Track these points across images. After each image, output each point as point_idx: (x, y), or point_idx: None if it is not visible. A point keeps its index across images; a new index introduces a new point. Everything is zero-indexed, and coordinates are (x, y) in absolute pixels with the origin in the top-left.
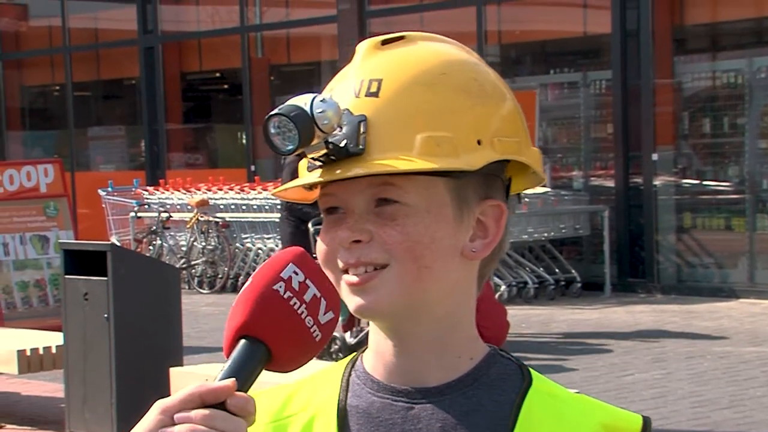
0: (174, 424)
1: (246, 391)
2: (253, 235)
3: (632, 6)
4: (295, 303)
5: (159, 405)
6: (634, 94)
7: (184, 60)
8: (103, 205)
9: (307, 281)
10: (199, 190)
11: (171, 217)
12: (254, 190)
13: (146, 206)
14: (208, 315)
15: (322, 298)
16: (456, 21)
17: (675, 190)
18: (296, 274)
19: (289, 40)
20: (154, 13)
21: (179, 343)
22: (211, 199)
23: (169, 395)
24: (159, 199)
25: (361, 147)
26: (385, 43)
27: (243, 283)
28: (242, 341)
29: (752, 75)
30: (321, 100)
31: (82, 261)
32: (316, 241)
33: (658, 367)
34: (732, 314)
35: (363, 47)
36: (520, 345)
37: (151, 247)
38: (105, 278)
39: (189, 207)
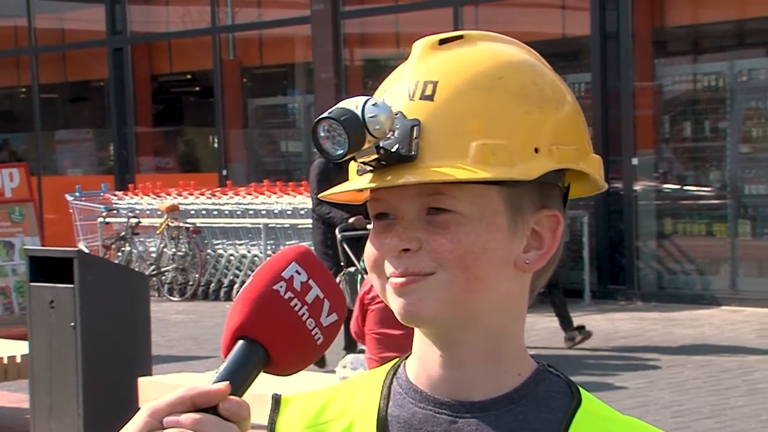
0: (163, 428)
1: (242, 395)
2: (224, 241)
3: (611, 7)
4: (296, 304)
5: (148, 407)
6: (614, 98)
7: (154, 61)
8: (71, 211)
9: (310, 281)
10: (169, 194)
11: (140, 222)
12: (226, 195)
13: (115, 211)
14: (178, 323)
15: (326, 300)
16: (432, 22)
17: (655, 196)
18: (298, 273)
19: (261, 42)
20: (122, 14)
21: (148, 352)
22: (182, 204)
23: (138, 406)
24: (128, 204)
25: (413, 153)
26: (442, 42)
27: (214, 291)
28: (239, 342)
29: (734, 78)
30: (373, 104)
31: (48, 268)
32: (344, 248)
33: (638, 375)
34: (713, 322)
35: (419, 46)
36: None
37: (119, 254)
38: (72, 285)
39: (159, 212)
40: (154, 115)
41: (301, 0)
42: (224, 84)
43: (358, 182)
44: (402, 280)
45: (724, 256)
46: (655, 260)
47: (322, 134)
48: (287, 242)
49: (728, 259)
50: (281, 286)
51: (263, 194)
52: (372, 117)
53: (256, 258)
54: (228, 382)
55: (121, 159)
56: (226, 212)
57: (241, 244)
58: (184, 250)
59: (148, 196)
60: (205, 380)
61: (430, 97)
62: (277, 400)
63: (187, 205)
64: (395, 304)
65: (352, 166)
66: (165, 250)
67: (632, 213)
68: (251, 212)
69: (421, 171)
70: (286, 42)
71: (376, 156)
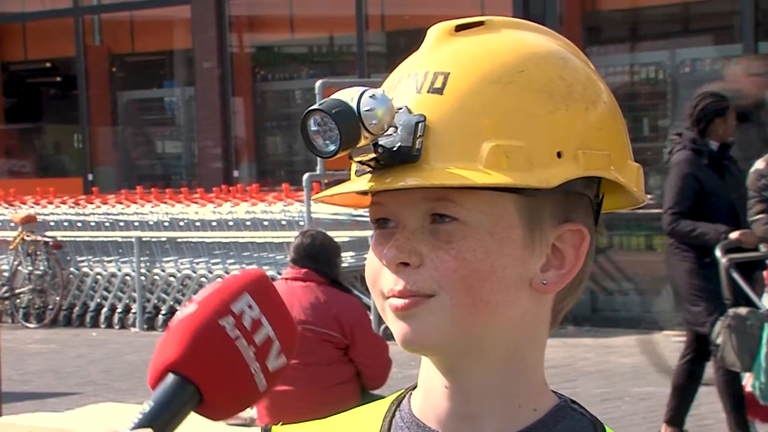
0: None
1: None
2: (90, 258)
3: None
4: (242, 345)
5: None
6: None
7: (6, 47)
8: None
9: (262, 318)
10: (24, 203)
11: None
12: (92, 203)
13: None
14: (36, 354)
15: (276, 340)
16: (331, 3)
17: None
18: (250, 308)
19: (133, 25)
20: None
21: None
22: (39, 214)
23: None
24: None
25: (415, 153)
26: (460, 28)
27: (78, 316)
28: (170, 377)
29: (675, 69)
30: (371, 96)
31: None
32: (732, 279)
33: None
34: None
35: (433, 32)
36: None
37: None
38: None
39: (12, 224)
40: (6, 109)
41: None
42: (89, 74)
43: (352, 184)
44: (401, 302)
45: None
46: (588, 279)
47: (313, 128)
48: (164, 259)
49: None
50: (228, 322)
51: (136, 203)
52: (368, 111)
53: (127, 277)
54: (149, 430)
55: None
56: (93, 224)
57: (110, 261)
58: (42, 268)
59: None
60: (67, 421)
61: (440, 91)
62: (267, 431)
63: (45, 215)
64: (395, 329)
65: (353, 168)
66: (20, 268)
67: None
68: (122, 224)
69: (426, 173)
70: (162, 25)
71: (374, 155)
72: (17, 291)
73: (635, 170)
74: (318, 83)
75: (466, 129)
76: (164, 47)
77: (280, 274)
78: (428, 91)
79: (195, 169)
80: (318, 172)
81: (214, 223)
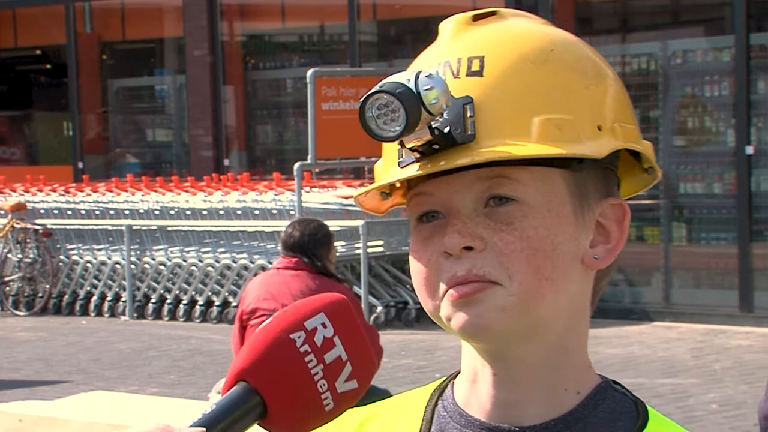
0: None
1: None
2: (80, 245)
3: None
4: (311, 360)
5: None
6: None
7: None
8: None
9: (335, 338)
10: (14, 191)
11: None
12: (82, 191)
13: None
14: (25, 342)
15: (348, 363)
16: None
17: None
18: (324, 326)
19: (123, 12)
20: None
21: None
22: (29, 202)
23: None
24: None
25: (470, 133)
26: (476, 19)
27: (68, 304)
28: (238, 386)
29: (666, 60)
30: (426, 76)
31: None
32: None
33: None
34: (644, 340)
35: (450, 24)
36: (398, 376)
37: None
38: None
39: (2, 212)
40: None
41: None
42: (80, 62)
43: (404, 172)
44: (466, 288)
45: (657, 264)
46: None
47: (373, 112)
48: (155, 247)
49: (661, 268)
50: (299, 337)
51: (126, 191)
52: (427, 89)
53: (117, 266)
54: (203, 429)
55: None
56: (83, 212)
57: (100, 250)
58: (32, 256)
59: None
60: (56, 409)
61: (479, 73)
62: None
63: (35, 203)
64: (457, 317)
65: (377, 167)
66: (9, 256)
67: None
68: (112, 212)
69: (480, 152)
70: (152, 13)
71: (429, 138)
72: (7, 279)
73: (650, 146)
74: (309, 72)
75: (513, 106)
76: (155, 35)
77: (271, 263)
78: (467, 75)
79: (186, 157)
80: (309, 161)
81: (204, 212)
